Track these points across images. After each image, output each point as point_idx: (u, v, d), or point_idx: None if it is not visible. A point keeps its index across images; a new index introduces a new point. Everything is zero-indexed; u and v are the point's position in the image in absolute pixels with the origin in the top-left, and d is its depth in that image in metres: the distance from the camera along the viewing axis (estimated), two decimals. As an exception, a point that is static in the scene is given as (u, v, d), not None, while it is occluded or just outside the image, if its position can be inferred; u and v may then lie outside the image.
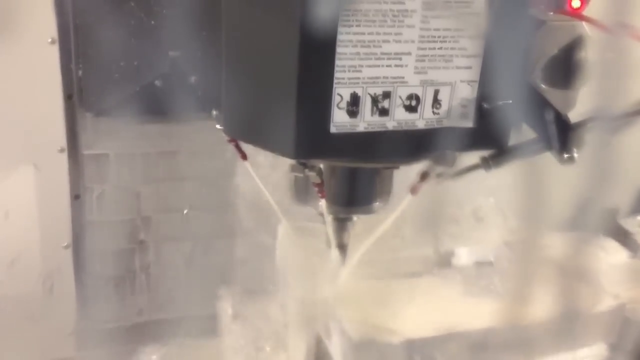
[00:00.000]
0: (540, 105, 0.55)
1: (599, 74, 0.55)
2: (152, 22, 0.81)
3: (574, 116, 0.56)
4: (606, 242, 0.91)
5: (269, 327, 0.82)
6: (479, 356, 0.71)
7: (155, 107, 0.86)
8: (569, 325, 0.73)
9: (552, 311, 0.71)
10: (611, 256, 0.87)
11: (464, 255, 0.85)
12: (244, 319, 0.84)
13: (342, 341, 0.70)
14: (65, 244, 0.93)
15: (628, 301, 0.79)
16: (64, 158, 0.90)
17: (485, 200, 0.92)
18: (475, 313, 0.73)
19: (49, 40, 0.83)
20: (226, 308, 0.87)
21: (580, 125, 0.55)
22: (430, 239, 0.85)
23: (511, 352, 0.72)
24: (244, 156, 0.60)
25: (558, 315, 0.71)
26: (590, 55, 0.54)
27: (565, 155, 0.55)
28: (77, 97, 0.87)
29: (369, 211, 0.58)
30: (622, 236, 0.95)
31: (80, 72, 0.85)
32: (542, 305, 0.69)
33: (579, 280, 0.73)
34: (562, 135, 0.55)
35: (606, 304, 0.77)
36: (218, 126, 0.52)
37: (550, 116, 0.54)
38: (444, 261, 0.84)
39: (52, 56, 0.84)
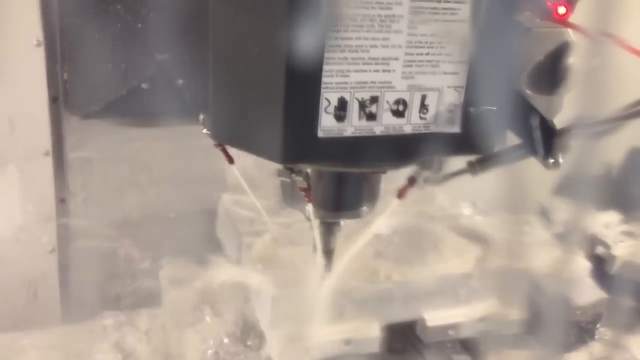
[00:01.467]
0: (525, 110, 0.55)
1: (583, 80, 0.55)
2: (139, 25, 0.81)
3: (559, 122, 0.57)
4: (529, 218, 1.02)
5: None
6: (386, 307, 0.79)
7: (142, 110, 0.86)
8: (475, 283, 0.83)
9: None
10: (535, 231, 0.99)
11: (384, 224, 0.90)
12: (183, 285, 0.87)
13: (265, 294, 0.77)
14: (51, 249, 0.93)
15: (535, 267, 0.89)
16: (49, 161, 0.89)
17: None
18: (380, 271, 0.82)
19: (35, 42, 0.82)
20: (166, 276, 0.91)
21: (565, 130, 0.55)
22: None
23: (417, 306, 0.82)
24: (230, 160, 0.60)
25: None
26: (575, 61, 0.55)
27: (551, 161, 0.55)
28: (63, 100, 0.86)
29: (356, 216, 0.59)
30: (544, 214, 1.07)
31: (66, 75, 0.84)
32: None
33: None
34: (547, 140, 0.55)
35: (494, 261, 0.86)
36: (205, 130, 0.52)
37: (535, 122, 0.55)
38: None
39: (38, 58, 0.83)
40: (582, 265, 0.95)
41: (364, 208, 0.58)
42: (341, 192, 0.57)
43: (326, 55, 0.44)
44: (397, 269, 0.82)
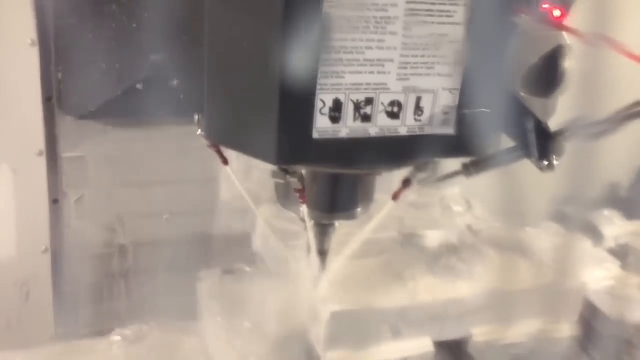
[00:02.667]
0: (520, 113, 0.55)
1: (578, 83, 0.56)
2: (134, 25, 0.81)
3: (553, 124, 0.57)
4: (549, 225, 1.01)
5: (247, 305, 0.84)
6: (438, 326, 0.78)
7: (136, 110, 0.86)
8: (512, 296, 0.82)
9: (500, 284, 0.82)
10: (553, 237, 0.96)
11: (427, 238, 0.91)
12: (221, 297, 0.86)
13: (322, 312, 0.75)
14: (43, 249, 0.92)
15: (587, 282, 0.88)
16: (42, 161, 0.89)
17: (450, 189, 1.01)
18: (435, 288, 0.80)
19: (29, 41, 0.82)
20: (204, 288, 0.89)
21: (559, 133, 0.56)
22: (396, 223, 0.90)
23: (468, 322, 0.80)
24: (225, 161, 0.60)
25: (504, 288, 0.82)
26: (570, 64, 0.55)
27: (545, 163, 0.56)
28: (57, 100, 0.86)
29: (351, 217, 0.59)
30: (588, 227, 1.04)
31: (60, 75, 0.84)
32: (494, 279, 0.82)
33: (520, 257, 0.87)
34: (542, 143, 0.55)
35: (545, 277, 0.84)
36: (199, 131, 0.52)
37: (530, 124, 0.55)
38: (409, 243, 0.90)
39: (32, 58, 0.83)
40: (636, 282, 0.93)
41: (359, 209, 0.58)
42: (335, 193, 0.57)
43: (321, 56, 0.44)
44: (446, 285, 0.81)
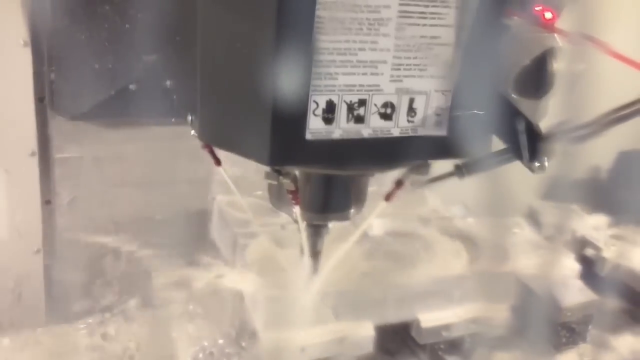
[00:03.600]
0: (511, 114, 0.56)
1: (568, 85, 0.56)
2: (127, 26, 0.81)
3: (544, 126, 0.57)
4: (519, 220, 1.06)
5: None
6: (379, 310, 0.81)
7: (129, 111, 0.86)
8: (467, 284, 0.85)
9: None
10: (524, 232, 1.02)
11: (377, 226, 0.93)
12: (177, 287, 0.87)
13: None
14: (36, 250, 0.92)
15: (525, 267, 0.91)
16: (34, 162, 0.88)
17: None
18: (374, 273, 0.84)
19: (21, 42, 0.82)
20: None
21: (550, 134, 0.56)
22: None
23: (411, 307, 0.83)
24: (217, 162, 0.60)
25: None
26: (561, 66, 0.55)
27: (536, 164, 0.56)
28: (50, 100, 0.86)
29: (343, 218, 0.59)
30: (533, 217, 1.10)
31: (52, 75, 0.84)
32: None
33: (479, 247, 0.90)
34: (533, 144, 0.56)
35: (503, 268, 0.88)
36: (193, 132, 0.52)
37: (521, 126, 0.55)
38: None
39: (24, 58, 0.83)
40: (572, 267, 0.96)
41: (352, 210, 0.59)
42: (329, 194, 0.57)
43: (314, 57, 0.44)
44: (391, 271, 0.83)
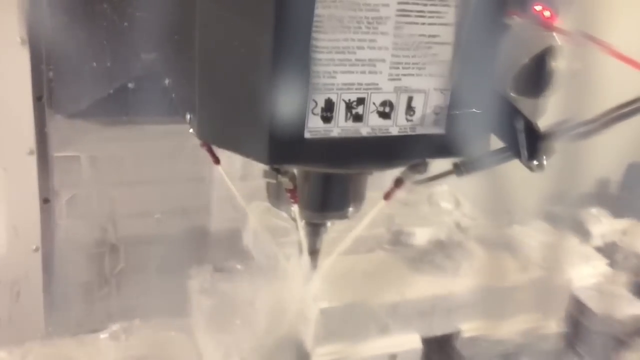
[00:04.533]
0: (510, 113, 0.55)
1: (567, 84, 0.56)
2: (125, 24, 0.81)
3: (542, 124, 0.57)
4: (538, 224, 1.03)
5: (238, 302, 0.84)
6: (426, 322, 0.80)
7: (128, 109, 0.86)
8: (501, 293, 0.83)
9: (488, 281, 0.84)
10: (541, 235, 0.98)
11: (415, 235, 0.93)
12: (212, 294, 0.86)
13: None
14: (34, 248, 0.92)
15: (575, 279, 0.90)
16: (33, 160, 0.88)
17: (439, 186, 1.02)
18: (422, 285, 0.82)
19: (19, 40, 0.82)
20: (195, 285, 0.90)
21: (549, 133, 0.56)
22: (385, 220, 0.91)
23: (456, 319, 0.82)
24: (216, 160, 0.60)
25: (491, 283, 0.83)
26: (560, 65, 0.55)
27: (535, 163, 0.56)
28: (48, 99, 0.86)
29: (342, 217, 0.59)
30: (576, 225, 1.07)
31: (51, 73, 0.84)
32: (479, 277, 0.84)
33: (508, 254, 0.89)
34: (532, 143, 0.56)
35: (533, 274, 0.86)
36: (191, 130, 0.52)
37: (520, 125, 0.55)
38: (398, 240, 0.91)
39: (22, 56, 0.82)
40: (622, 278, 0.95)
41: (350, 209, 0.59)
42: (327, 193, 0.57)
43: (313, 56, 0.44)
44: (435, 282, 0.82)
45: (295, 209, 0.57)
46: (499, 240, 0.92)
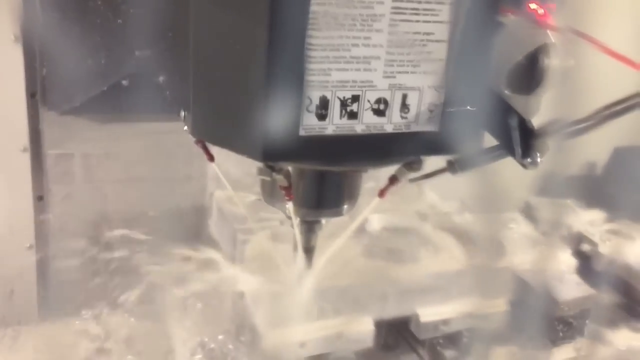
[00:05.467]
0: (504, 111, 0.56)
1: (561, 81, 0.56)
2: (119, 21, 0.81)
3: (536, 122, 0.57)
4: (515, 216, 1.07)
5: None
6: (379, 305, 0.81)
7: (122, 106, 0.85)
8: (465, 279, 0.85)
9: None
10: (520, 227, 1.03)
11: (374, 221, 0.93)
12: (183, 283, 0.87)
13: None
14: (28, 245, 0.92)
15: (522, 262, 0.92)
16: (26, 158, 0.88)
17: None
18: (374, 269, 0.84)
19: (12, 37, 0.81)
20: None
21: (543, 131, 0.56)
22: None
23: (410, 302, 0.83)
24: (210, 158, 0.60)
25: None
26: (554, 62, 0.56)
27: (528, 160, 0.56)
28: (42, 96, 0.85)
29: (337, 214, 0.59)
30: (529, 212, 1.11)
31: (45, 71, 0.83)
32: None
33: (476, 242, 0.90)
34: (526, 140, 0.56)
35: (500, 263, 0.89)
36: (185, 128, 0.52)
37: (514, 122, 0.55)
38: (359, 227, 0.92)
39: (15, 54, 0.82)
40: (568, 261, 0.97)
41: (345, 206, 0.59)
42: (322, 190, 0.57)
43: (308, 53, 0.44)
44: (389, 267, 0.83)
45: (290, 206, 0.57)
46: (454, 228, 0.94)
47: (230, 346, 0.82)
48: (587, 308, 0.94)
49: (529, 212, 1.11)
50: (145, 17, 0.77)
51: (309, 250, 0.63)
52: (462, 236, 0.93)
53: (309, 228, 0.61)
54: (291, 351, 0.75)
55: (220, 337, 0.82)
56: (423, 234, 0.92)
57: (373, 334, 0.80)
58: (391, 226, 0.92)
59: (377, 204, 0.61)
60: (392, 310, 0.82)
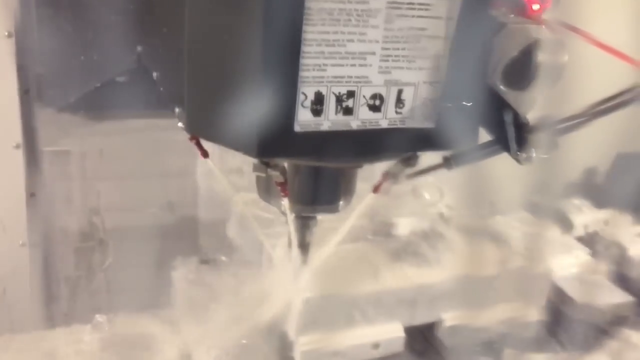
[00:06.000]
0: (499, 106, 0.56)
1: (554, 76, 0.56)
2: (113, 17, 0.80)
3: (531, 117, 0.57)
4: (520, 214, 1.04)
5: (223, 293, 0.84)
6: (408, 311, 0.81)
7: (116, 103, 0.85)
8: (482, 282, 0.84)
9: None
10: (524, 226, 1.00)
11: (397, 225, 0.93)
12: (196, 286, 0.86)
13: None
14: (21, 243, 0.91)
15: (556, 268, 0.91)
16: (19, 154, 0.87)
17: (424, 178, 1.02)
18: (405, 274, 0.83)
19: (5, 33, 0.81)
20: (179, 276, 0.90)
21: (538, 126, 0.56)
22: (368, 211, 0.92)
23: (438, 308, 0.83)
24: (205, 154, 0.60)
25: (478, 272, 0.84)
26: (548, 57, 0.56)
27: (524, 156, 0.56)
28: (37, 93, 0.85)
29: (332, 210, 0.59)
30: (558, 216, 1.09)
31: (40, 67, 0.83)
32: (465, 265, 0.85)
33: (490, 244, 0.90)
34: (521, 136, 0.56)
35: (514, 264, 0.87)
36: (180, 124, 0.52)
37: (509, 117, 0.56)
38: (381, 231, 0.90)
39: (8, 50, 0.82)
40: (602, 267, 0.96)
41: (341, 202, 0.59)
42: (317, 186, 0.57)
43: (303, 49, 0.44)
44: (416, 271, 0.83)
45: (285, 202, 0.57)
46: (480, 231, 0.93)
47: (255, 351, 0.81)
48: (622, 314, 0.93)
49: (561, 216, 1.09)
50: (139, 13, 0.77)
51: (304, 247, 0.63)
52: (492, 239, 0.92)
53: (304, 224, 0.61)
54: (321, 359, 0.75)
55: (244, 341, 0.81)
56: (449, 237, 0.91)
57: (404, 341, 0.79)
58: (418, 230, 0.91)
59: (372, 199, 0.61)
60: (421, 316, 0.82)
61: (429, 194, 1.00)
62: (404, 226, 0.93)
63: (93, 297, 0.98)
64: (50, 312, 0.95)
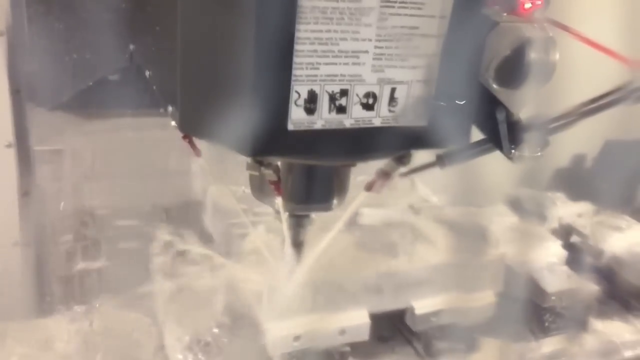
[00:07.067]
0: (491, 104, 0.56)
1: (546, 75, 0.57)
2: (105, 15, 0.80)
3: (523, 116, 0.58)
4: (500, 207, 1.07)
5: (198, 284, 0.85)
6: (375, 298, 0.81)
7: (109, 101, 0.85)
8: (458, 272, 0.86)
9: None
10: (503, 219, 1.02)
11: (367, 215, 0.93)
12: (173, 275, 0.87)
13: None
14: (13, 242, 0.91)
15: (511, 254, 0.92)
16: (11, 154, 0.87)
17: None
18: (368, 262, 0.84)
19: (-4, 32, 0.81)
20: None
21: (530, 124, 0.57)
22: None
23: (406, 295, 0.84)
24: (197, 153, 0.60)
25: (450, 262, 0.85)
26: (541, 56, 0.56)
27: (516, 154, 0.56)
28: (29, 92, 0.85)
29: (326, 208, 0.59)
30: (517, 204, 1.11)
31: (31, 66, 0.83)
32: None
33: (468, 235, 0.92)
34: (513, 134, 0.56)
35: (491, 255, 0.89)
36: (173, 123, 0.52)
37: (501, 116, 0.56)
38: (349, 220, 0.92)
39: (-1, 49, 0.81)
40: (558, 253, 0.98)
41: (334, 201, 0.59)
42: (311, 185, 0.57)
43: (296, 47, 0.44)
44: (384, 260, 0.83)
45: (279, 201, 0.57)
46: (448, 222, 0.94)
47: (225, 340, 0.81)
48: (577, 299, 0.95)
49: (516, 205, 1.11)
50: (131, 11, 0.77)
51: (298, 245, 0.63)
52: (452, 229, 0.93)
53: (298, 222, 0.61)
54: (287, 345, 0.75)
55: (215, 330, 0.82)
56: (416, 227, 0.92)
57: (369, 327, 0.80)
58: (384, 220, 0.92)
59: (365, 197, 0.62)
60: (388, 303, 0.82)
61: (400, 185, 1.01)
62: (372, 216, 0.94)
63: (85, 296, 0.97)
64: (42, 311, 0.94)
